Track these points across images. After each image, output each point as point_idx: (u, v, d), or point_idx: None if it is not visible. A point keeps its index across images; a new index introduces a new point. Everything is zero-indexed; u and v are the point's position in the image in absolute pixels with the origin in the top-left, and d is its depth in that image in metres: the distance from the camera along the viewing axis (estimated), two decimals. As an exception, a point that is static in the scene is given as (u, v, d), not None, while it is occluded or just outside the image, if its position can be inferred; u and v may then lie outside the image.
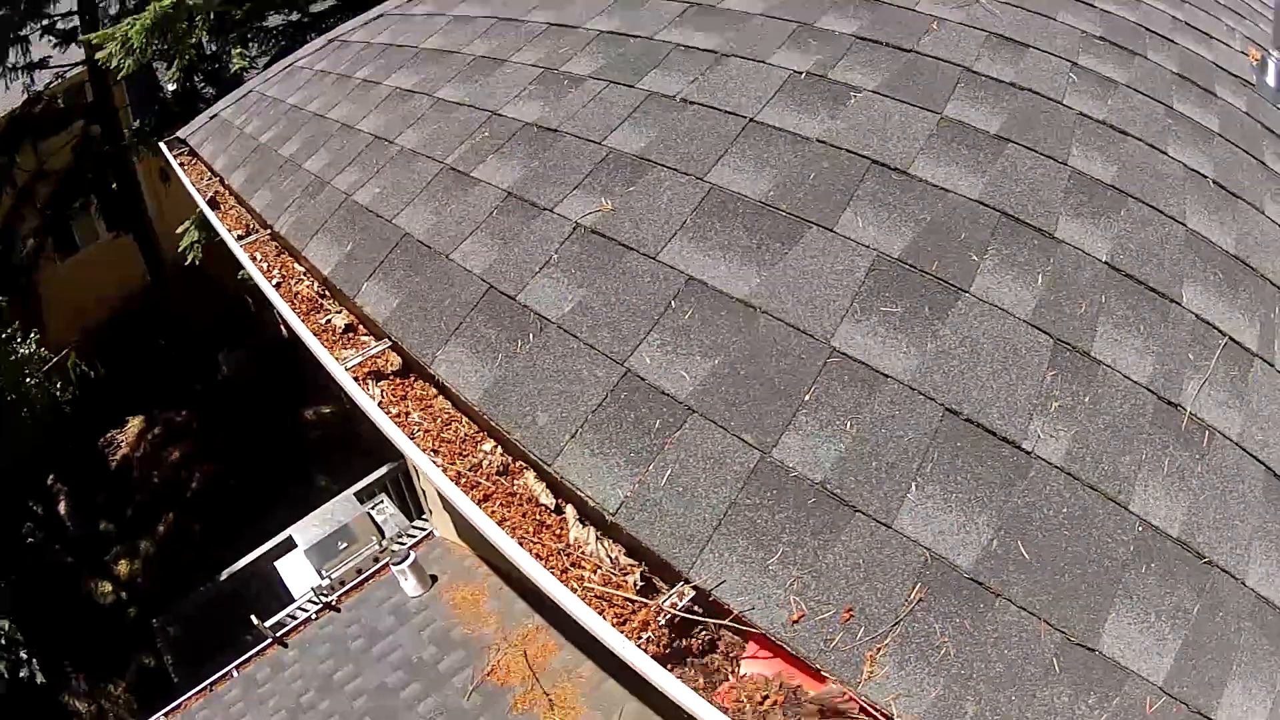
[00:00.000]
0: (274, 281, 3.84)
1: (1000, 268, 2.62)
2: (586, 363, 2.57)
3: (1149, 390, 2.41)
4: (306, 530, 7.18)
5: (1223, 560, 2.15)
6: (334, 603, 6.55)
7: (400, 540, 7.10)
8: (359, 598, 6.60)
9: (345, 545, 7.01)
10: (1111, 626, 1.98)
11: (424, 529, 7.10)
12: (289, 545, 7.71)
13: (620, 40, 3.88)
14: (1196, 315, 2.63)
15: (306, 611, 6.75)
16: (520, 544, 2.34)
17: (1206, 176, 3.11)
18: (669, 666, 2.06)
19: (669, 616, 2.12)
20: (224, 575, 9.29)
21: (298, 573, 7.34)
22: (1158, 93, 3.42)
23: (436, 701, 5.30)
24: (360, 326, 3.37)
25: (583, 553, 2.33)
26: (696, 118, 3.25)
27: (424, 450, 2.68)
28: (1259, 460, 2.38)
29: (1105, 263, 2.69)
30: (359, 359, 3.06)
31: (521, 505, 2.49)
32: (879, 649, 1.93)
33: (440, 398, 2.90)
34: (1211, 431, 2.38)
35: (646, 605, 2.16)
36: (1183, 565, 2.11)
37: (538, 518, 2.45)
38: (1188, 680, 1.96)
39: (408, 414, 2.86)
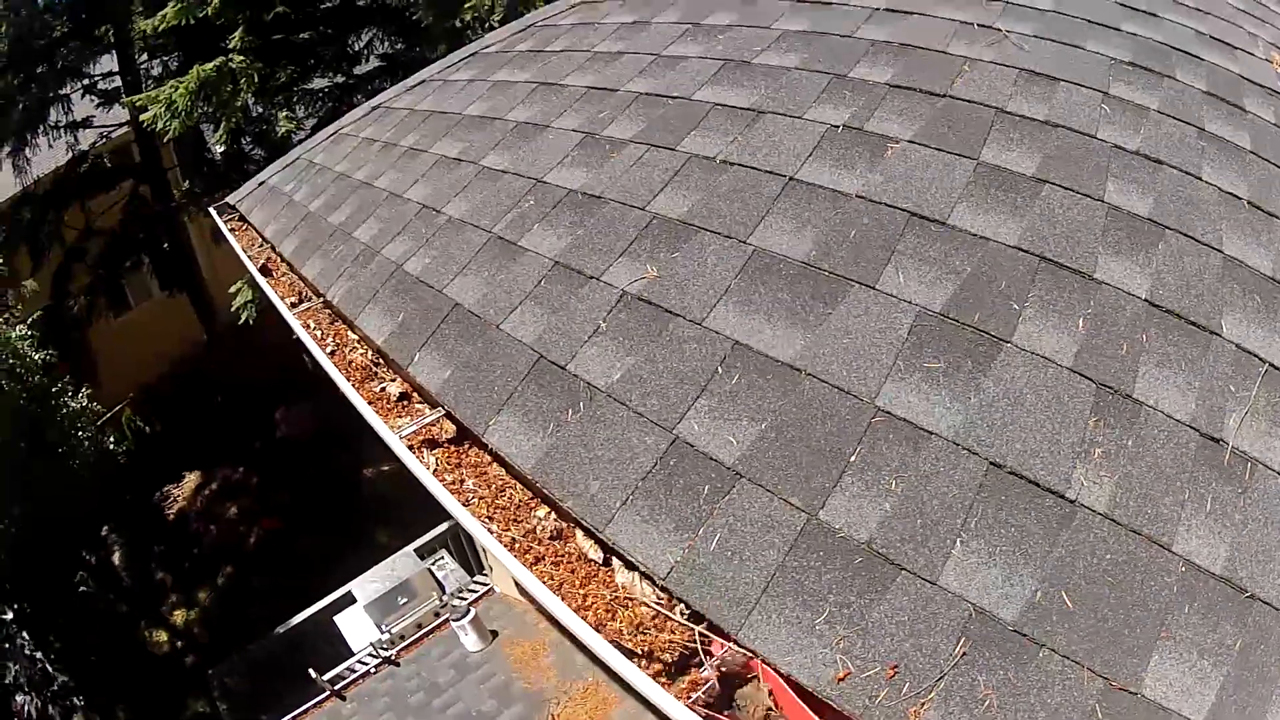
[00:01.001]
0: (328, 350, 3.92)
1: (1041, 315, 2.62)
2: (636, 431, 2.62)
3: (1191, 428, 2.39)
4: (366, 585, 7.20)
5: (1264, 593, 2.14)
6: (394, 658, 6.61)
7: (461, 595, 7.13)
8: (419, 652, 6.64)
9: (405, 600, 7.04)
10: (1154, 669, 1.97)
11: (484, 584, 7.13)
12: (348, 600, 7.75)
13: (659, 101, 3.96)
14: (1237, 345, 2.61)
15: (365, 665, 6.80)
16: (565, 598, 2.40)
17: (1241, 198, 3.09)
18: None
19: (717, 671, 2.15)
20: (283, 629, 9.35)
21: (357, 627, 7.37)
22: (1189, 115, 3.41)
23: (495, 755, 5.32)
24: (414, 395, 3.45)
25: (629, 595, 2.38)
26: (737, 179, 3.31)
27: (478, 517, 2.74)
28: (1302, 490, 2.36)
29: (1145, 300, 2.68)
30: (413, 427, 3.13)
31: (571, 563, 2.55)
32: (924, 704, 1.94)
33: (494, 465, 2.96)
34: (1253, 463, 2.36)
35: (690, 671, 2.20)
36: (1225, 602, 2.10)
37: (586, 572, 2.51)
38: (1229, 714, 1.95)
39: (462, 481, 2.92)
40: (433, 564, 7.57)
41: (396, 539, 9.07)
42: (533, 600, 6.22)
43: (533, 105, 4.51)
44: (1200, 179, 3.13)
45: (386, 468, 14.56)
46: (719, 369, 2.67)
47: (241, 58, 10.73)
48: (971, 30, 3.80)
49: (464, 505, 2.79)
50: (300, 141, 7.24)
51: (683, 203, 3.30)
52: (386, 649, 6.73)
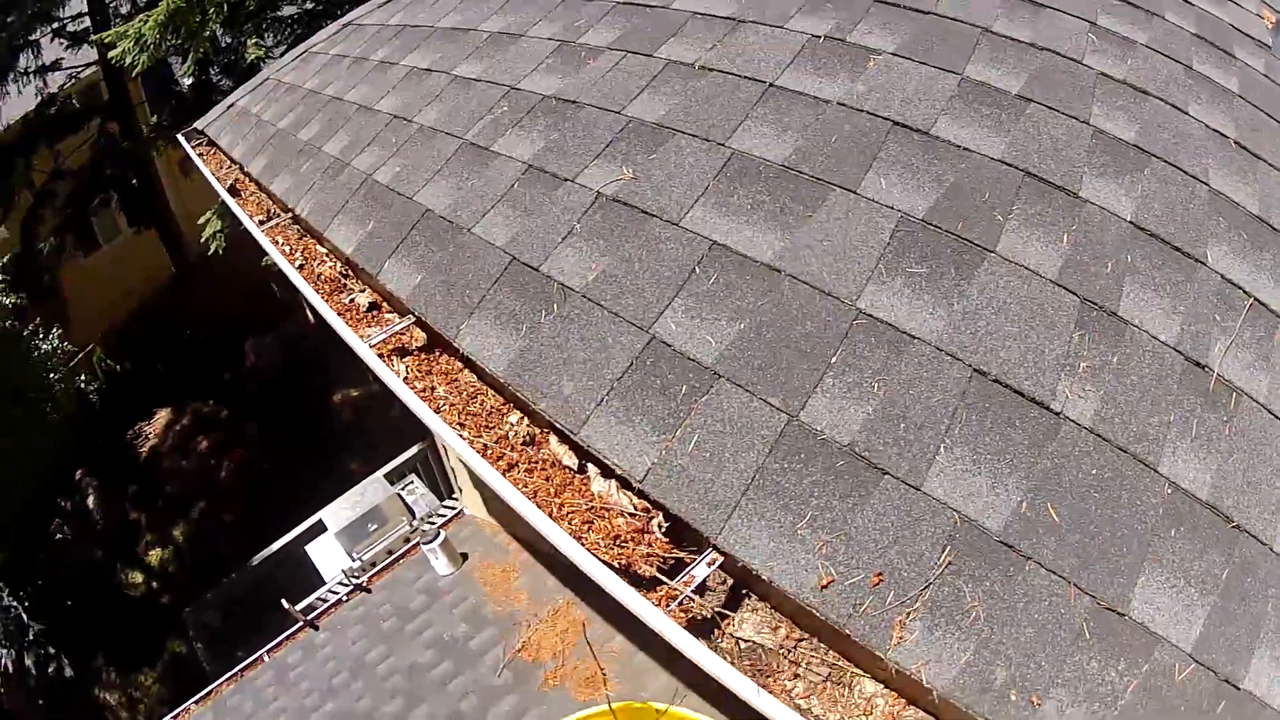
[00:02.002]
0: (297, 264, 3.84)
1: (1025, 227, 2.58)
2: (611, 331, 2.55)
3: (1176, 351, 2.37)
4: (337, 513, 7.17)
5: (1251, 525, 2.12)
6: (365, 584, 6.58)
7: (431, 520, 7.11)
8: (390, 578, 6.63)
9: (376, 527, 7.02)
10: (1141, 592, 1.96)
11: (454, 508, 7.10)
12: (320, 529, 7.72)
13: (637, 10, 3.85)
14: (1222, 275, 2.58)
15: (337, 594, 6.77)
16: (540, 506, 2.34)
17: (1228, 137, 3.05)
18: (699, 637, 2.06)
19: (696, 586, 2.11)
20: (255, 561, 9.34)
21: (329, 556, 7.36)
22: (1177, 53, 3.37)
23: (468, 680, 5.31)
24: (384, 304, 3.37)
25: (605, 504, 2.33)
26: (715, 84, 3.22)
27: (450, 424, 2.67)
28: (1287, 424, 2.34)
29: (1130, 222, 2.64)
30: (383, 336, 3.05)
31: (545, 470, 2.49)
32: (909, 613, 1.91)
33: (466, 371, 2.90)
34: (1239, 393, 2.34)
35: (667, 584, 2.15)
36: (1211, 530, 2.08)
37: (561, 479, 2.45)
38: (1216, 648, 1.94)
39: (433, 389, 2.86)
40: (402, 489, 7.55)
41: (366, 465, 9.03)
42: (503, 513, 6.22)
43: (507, 15, 4.38)
44: (1187, 114, 3.09)
45: (356, 393, 14.52)
46: (696, 269, 2.61)
47: (212, -14, 10.48)
48: (958, -51, 3.71)
49: (435, 412, 2.73)
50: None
51: (660, 106, 3.22)
52: (358, 576, 6.71)
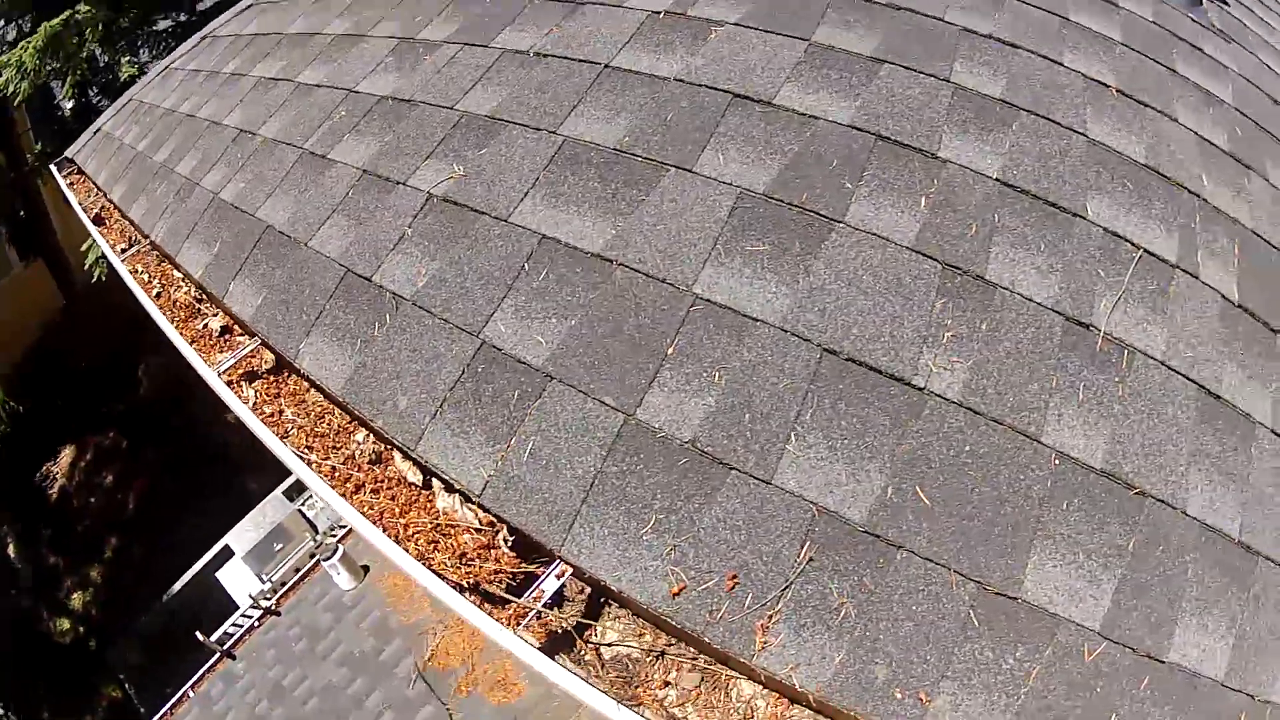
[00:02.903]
0: (154, 292, 3.70)
1: (877, 194, 2.48)
2: (443, 339, 2.45)
3: (1055, 312, 2.28)
4: (242, 535, 7.09)
5: (1157, 490, 2.06)
6: (274, 606, 6.48)
7: (333, 533, 7.01)
8: (296, 599, 6.57)
9: (281, 546, 6.94)
10: (1033, 572, 1.90)
11: (352, 519, 7.02)
12: (228, 554, 7.59)
13: (476, 0, 3.73)
14: (1105, 229, 2.50)
15: (249, 619, 6.67)
16: (385, 529, 2.27)
17: (1109, 86, 2.98)
18: (553, 654, 2.00)
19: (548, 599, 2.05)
20: (170, 594, 9.18)
21: (239, 580, 7.26)
22: (1051, 5, 3.28)
23: (383, 694, 5.27)
24: (235, 328, 3.25)
25: (451, 521, 2.25)
26: (549, 71, 3.11)
27: (296, 448, 2.58)
28: (1188, 379, 2.27)
29: (996, 179, 2.54)
30: (232, 361, 2.94)
31: (391, 488, 2.41)
32: (771, 616, 1.85)
33: (313, 392, 2.80)
34: (1131, 351, 2.26)
35: (514, 602, 2.08)
36: (1110, 498, 2.02)
37: (407, 497, 2.37)
38: (1130, 623, 1.89)
39: (281, 411, 2.76)
40: (303, 504, 7.45)
41: (265, 481, 8.88)
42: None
43: (352, 16, 4.24)
44: (1061, 64, 3.00)
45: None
46: (526, 265, 2.51)
47: (87, 7, 10.14)
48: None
49: (281, 437, 2.64)
50: (137, 86, 6.86)
51: (492, 98, 3.10)
52: (268, 598, 6.61)
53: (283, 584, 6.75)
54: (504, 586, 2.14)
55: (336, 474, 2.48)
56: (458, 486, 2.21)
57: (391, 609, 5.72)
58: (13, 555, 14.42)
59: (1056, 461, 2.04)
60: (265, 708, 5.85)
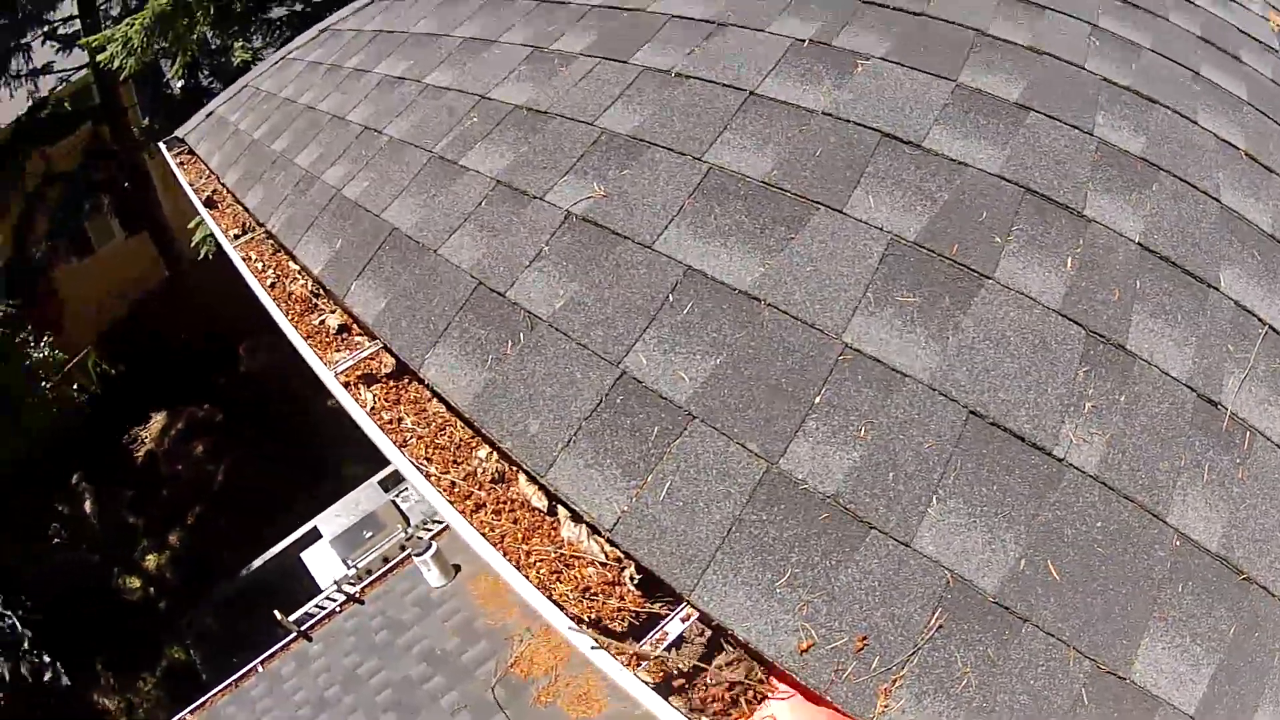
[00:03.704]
0: (269, 282, 3.71)
1: (1026, 250, 2.40)
2: (580, 365, 2.40)
3: (1188, 387, 2.20)
4: (331, 520, 7.15)
5: (1261, 576, 1.97)
6: (358, 595, 6.52)
7: (426, 527, 7.04)
8: (383, 589, 6.62)
9: (371, 534, 6.99)
10: (1144, 653, 1.82)
11: (448, 516, 7.04)
12: (315, 536, 7.66)
13: (612, 14, 3.69)
14: (1236, 302, 2.41)
15: (331, 604, 6.72)
16: (507, 554, 2.21)
17: (1239, 148, 2.88)
18: (670, 697, 1.93)
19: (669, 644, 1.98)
20: (251, 568, 9.31)
21: (324, 564, 7.33)
22: (1183, 57, 3.20)
23: (460, 694, 5.27)
24: (354, 327, 3.23)
25: (576, 552, 2.20)
26: (692, 93, 3.05)
27: (415, 459, 2.54)
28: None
29: (1138, 244, 2.46)
30: (350, 362, 2.92)
31: (514, 511, 2.35)
32: (895, 680, 1.77)
33: (434, 401, 2.75)
34: (1253, 433, 2.17)
35: (636, 647, 2.01)
36: (1220, 583, 1.94)
37: (530, 522, 2.31)
38: (1220, 707, 1.81)
39: (400, 419, 2.72)
40: (397, 495, 7.49)
41: (362, 469, 8.95)
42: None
43: (480, 20, 4.23)
44: (1196, 123, 2.92)
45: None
46: (670, 297, 2.44)
47: (198, -11, 10.37)
48: (951, -54, 3.55)
49: (400, 446, 2.59)
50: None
51: (634, 117, 3.05)
52: (352, 585, 6.66)
53: (368, 572, 6.80)
54: (626, 625, 2.08)
55: (456, 490, 2.43)
56: (587, 518, 2.15)
57: (480, 611, 5.72)
58: (89, 510, 14.77)
59: (1178, 542, 1.97)
60: (336, 692, 5.89)
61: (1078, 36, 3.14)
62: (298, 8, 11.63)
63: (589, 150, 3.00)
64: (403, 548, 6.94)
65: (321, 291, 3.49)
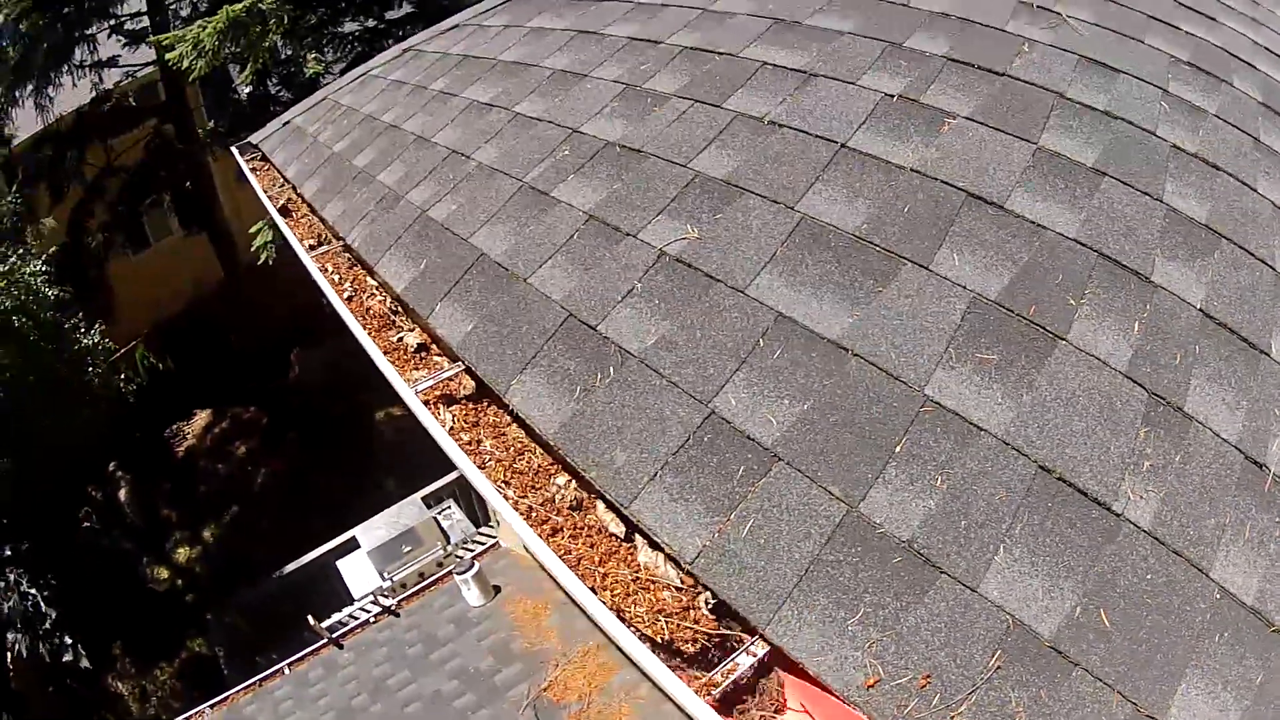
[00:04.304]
0: (345, 295, 3.79)
1: (1098, 313, 2.48)
2: (669, 401, 2.46)
3: (1237, 449, 2.28)
4: (371, 531, 7.15)
5: None
6: (394, 607, 6.54)
7: (466, 547, 7.07)
8: (420, 604, 6.59)
9: (409, 549, 7.00)
10: (1180, 698, 1.87)
11: (490, 538, 7.05)
12: (352, 545, 7.71)
13: (704, 57, 3.79)
14: None
15: (366, 614, 6.74)
16: (583, 576, 2.27)
17: None
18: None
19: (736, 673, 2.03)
20: (285, 571, 9.35)
21: (359, 574, 7.34)
22: (1245, 123, 3.28)
23: (490, 714, 5.24)
24: (434, 347, 3.31)
25: (652, 576, 2.25)
26: (785, 142, 3.13)
27: (493, 481, 2.60)
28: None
29: (1199, 309, 2.55)
30: (430, 382, 2.99)
31: (590, 536, 2.41)
32: (953, 717, 1.82)
33: (514, 426, 2.82)
34: None
35: (706, 675, 2.06)
36: (1253, 634, 2.00)
37: (606, 547, 2.37)
38: None
39: (479, 442, 2.79)
40: (439, 513, 7.52)
41: (404, 486, 9.01)
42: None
43: (570, 53, 4.34)
44: (1255, 190, 3.01)
45: (398, 413, 14.49)
46: (761, 341, 2.51)
47: (273, -1, 10.58)
48: (1031, 10, 3.67)
49: (479, 468, 2.65)
50: (328, 85, 7.11)
51: (728, 162, 3.13)
52: (387, 597, 6.68)
53: (403, 586, 6.83)
54: (698, 648, 2.13)
55: (533, 514, 2.49)
56: (668, 551, 2.20)
57: (518, 633, 5.72)
58: (123, 499, 14.92)
59: (1218, 595, 2.03)
60: (364, 701, 5.86)
61: (1149, 101, 3.22)
62: (370, 24, 11.82)
63: (683, 192, 3.08)
64: (440, 565, 6.97)
65: (400, 309, 3.58)
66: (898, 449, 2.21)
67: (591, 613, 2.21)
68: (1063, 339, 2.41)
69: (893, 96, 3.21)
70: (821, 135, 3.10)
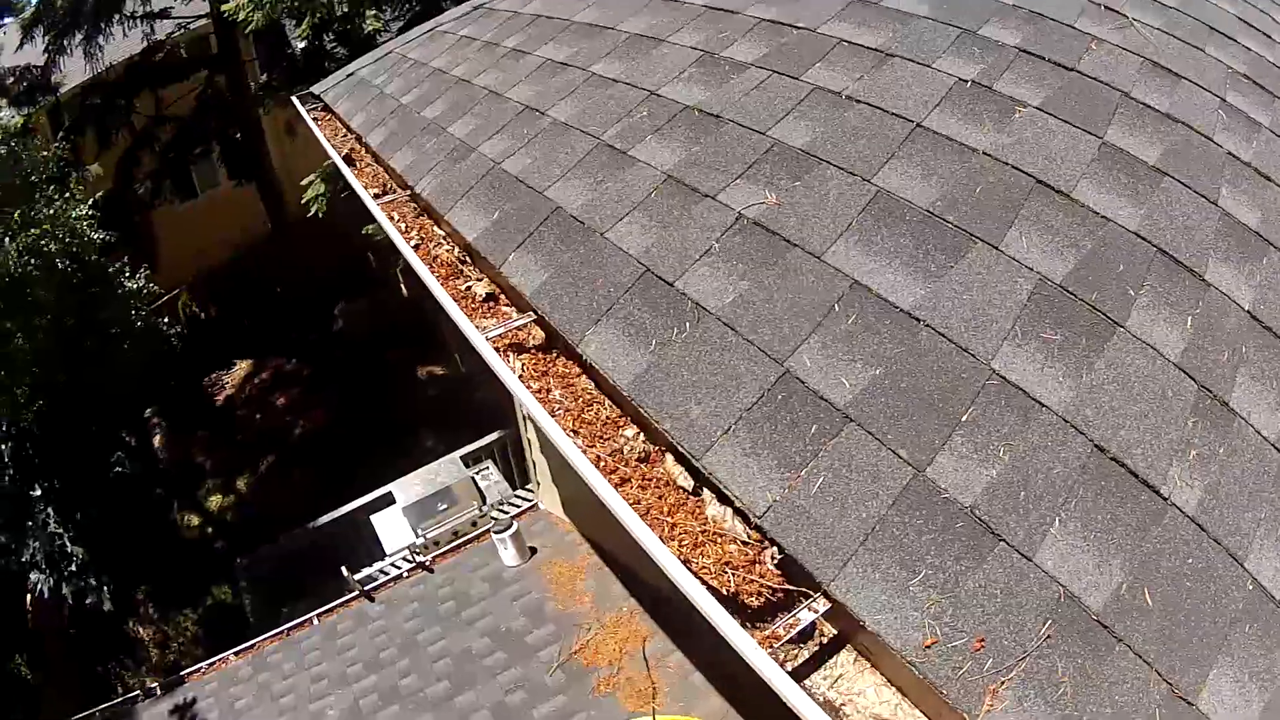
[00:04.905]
0: (413, 243, 3.86)
1: (1154, 305, 2.55)
2: (745, 359, 2.53)
3: (1275, 448, 2.35)
4: (407, 488, 7.20)
5: None
6: (428, 563, 6.63)
7: (502, 509, 7.14)
8: (454, 561, 6.67)
9: (445, 507, 7.05)
10: (1211, 682, 1.93)
11: (528, 500, 7.13)
12: (387, 500, 7.78)
13: (781, 30, 3.83)
14: None
15: (398, 569, 6.83)
16: (652, 526, 2.32)
17: None
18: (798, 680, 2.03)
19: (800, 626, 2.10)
20: (317, 523, 9.42)
21: (393, 529, 7.40)
22: None
23: (520, 673, 5.33)
24: (502, 296, 3.38)
25: (720, 529, 2.31)
26: (862, 117, 3.18)
27: (565, 430, 2.67)
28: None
29: (1248, 311, 2.63)
30: (500, 330, 3.05)
31: (659, 488, 2.47)
32: (1003, 682, 1.88)
33: (583, 377, 2.89)
34: None
35: (770, 626, 2.13)
36: (1279, 626, 2.06)
37: (674, 500, 2.43)
38: None
39: (549, 391, 2.86)
40: (477, 473, 7.57)
41: (443, 444, 9.07)
42: (579, 513, 6.21)
43: (647, 18, 4.38)
44: None
45: (441, 372, 14.60)
46: (836, 306, 2.58)
47: (331, -47, 10.59)
48: (1099, 10, 3.71)
49: (551, 415, 2.72)
50: (385, 43, 7.15)
51: (806, 133, 3.19)
52: (421, 554, 6.76)
53: (435, 544, 6.89)
54: (763, 601, 2.19)
55: (602, 465, 2.56)
56: (739, 504, 2.27)
57: (551, 595, 5.80)
58: (157, 445, 15.09)
59: (1250, 586, 2.09)
60: (393, 654, 5.95)
61: (1208, 109, 3.28)
62: (429, -18, 11.85)
63: (761, 158, 3.14)
64: (475, 525, 7.03)
65: (468, 259, 3.64)
66: (964, 418, 2.27)
67: (660, 561, 2.27)
68: (1121, 326, 2.47)
69: (966, 82, 3.26)
70: (897, 114, 3.15)
